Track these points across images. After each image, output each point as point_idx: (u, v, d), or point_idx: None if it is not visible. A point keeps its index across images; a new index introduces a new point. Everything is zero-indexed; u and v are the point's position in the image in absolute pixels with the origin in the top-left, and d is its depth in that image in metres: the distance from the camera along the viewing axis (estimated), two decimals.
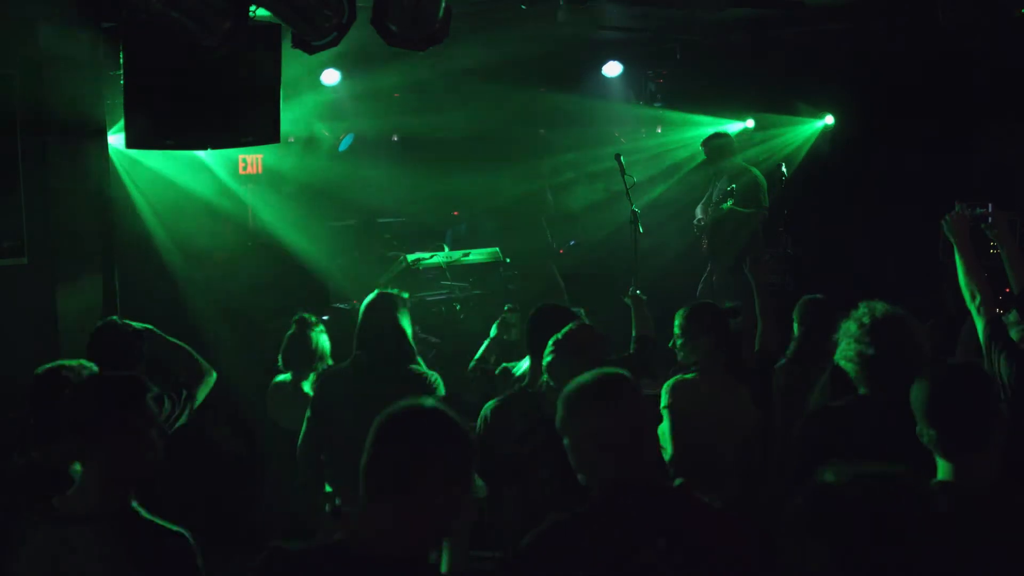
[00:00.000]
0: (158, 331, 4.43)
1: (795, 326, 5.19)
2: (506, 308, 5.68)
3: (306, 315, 5.52)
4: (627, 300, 5.47)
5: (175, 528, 2.78)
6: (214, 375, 4.34)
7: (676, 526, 2.59)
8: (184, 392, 4.17)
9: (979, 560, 2.62)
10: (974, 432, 2.78)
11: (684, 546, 2.56)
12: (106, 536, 2.69)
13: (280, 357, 5.50)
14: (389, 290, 4.86)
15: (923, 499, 2.02)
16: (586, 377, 2.73)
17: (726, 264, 8.44)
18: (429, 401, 2.37)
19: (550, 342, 3.92)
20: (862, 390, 3.55)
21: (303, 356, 5.38)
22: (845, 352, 3.60)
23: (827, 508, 2.01)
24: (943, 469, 2.80)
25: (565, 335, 3.94)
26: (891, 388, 3.34)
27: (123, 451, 2.78)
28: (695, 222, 8.78)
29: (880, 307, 3.64)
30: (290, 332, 5.46)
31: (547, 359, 3.89)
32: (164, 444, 2.88)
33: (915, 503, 2.01)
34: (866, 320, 3.57)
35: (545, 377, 3.92)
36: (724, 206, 8.40)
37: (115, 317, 4.66)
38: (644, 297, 5.44)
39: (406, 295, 4.86)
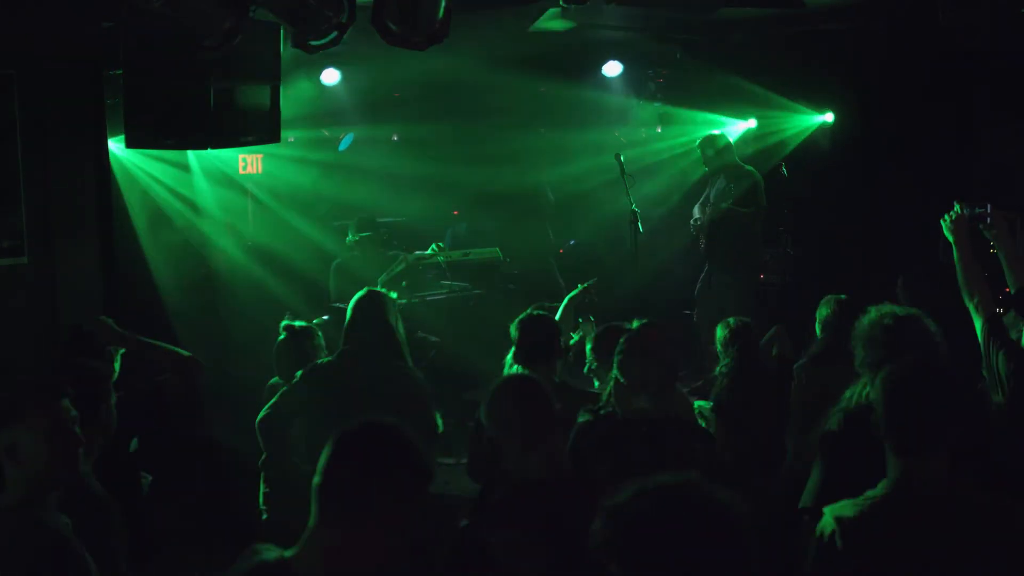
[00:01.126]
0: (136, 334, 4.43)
1: (817, 325, 5.18)
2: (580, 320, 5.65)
3: (295, 322, 5.46)
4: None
5: (67, 536, 2.80)
6: (200, 365, 4.32)
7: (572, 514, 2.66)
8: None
9: (921, 562, 2.61)
10: (925, 434, 2.72)
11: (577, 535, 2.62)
12: (7, 534, 2.76)
13: (275, 363, 5.49)
14: (378, 289, 4.92)
15: (714, 507, 1.89)
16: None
17: (724, 264, 8.44)
18: (388, 419, 2.35)
19: (622, 340, 3.97)
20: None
21: (294, 363, 5.34)
22: (865, 358, 3.56)
23: (615, 529, 1.90)
24: (893, 467, 2.75)
25: (639, 335, 4.01)
26: None
27: (22, 451, 2.81)
28: (692, 221, 8.79)
29: (897, 309, 3.60)
30: (279, 339, 5.44)
31: (619, 356, 3.94)
32: (77, 451, 2.89)
33: (703, 512, 1.88)
34: (886, 323, 3.53)
35: (615, 373, 3.97)
36: (723, 205, 8.40)
37: (107, 319, 4.62)
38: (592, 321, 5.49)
39: (394, 295, 4.91)
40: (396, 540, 2.27)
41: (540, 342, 4.59)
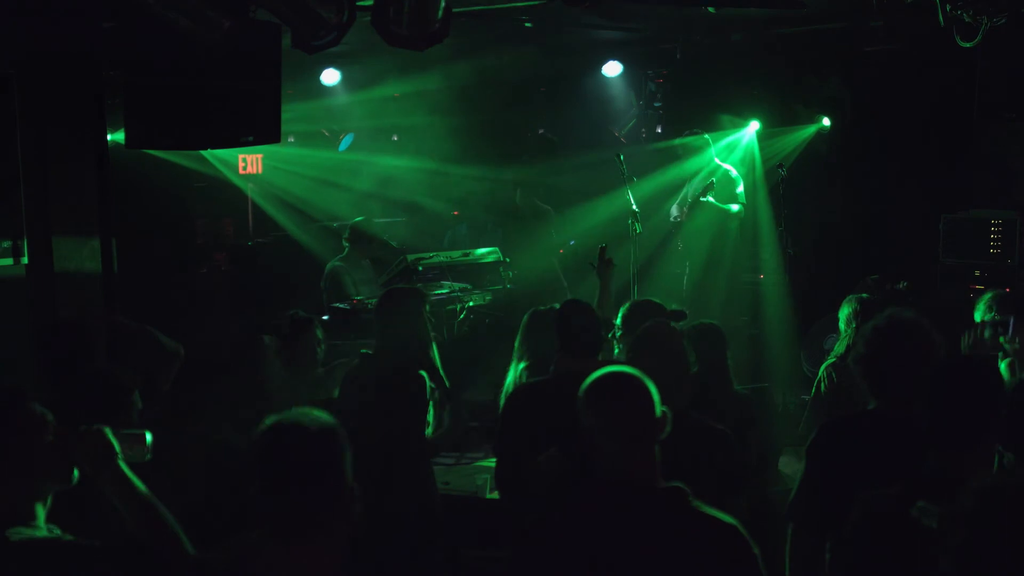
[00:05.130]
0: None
1: (841, 324, 5.16)
2: None
3: (303, 314, 5.48)
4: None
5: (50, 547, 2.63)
6: (181, 352, 4.29)
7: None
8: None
9: None
10: None
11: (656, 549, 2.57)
12: None
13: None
14: (402, 286, 4.91)
15: None
16: (600, 373, 2.77)
17: (702, 261, 8.45)
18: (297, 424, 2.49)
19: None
20: (872, 404, 3.38)
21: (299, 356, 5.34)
22: (853, 360, 3.48)
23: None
24: None
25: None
26: (896, 400, 3.25)
27: None
28: (672, 219, 8.76)
29: (890, 313, 3.47)
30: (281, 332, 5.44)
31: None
32: (60, 460, 2.67)
33: None
34: (875, 325, 3.40)
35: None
36: (705, 199, 8.37)
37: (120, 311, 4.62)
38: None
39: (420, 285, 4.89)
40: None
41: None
